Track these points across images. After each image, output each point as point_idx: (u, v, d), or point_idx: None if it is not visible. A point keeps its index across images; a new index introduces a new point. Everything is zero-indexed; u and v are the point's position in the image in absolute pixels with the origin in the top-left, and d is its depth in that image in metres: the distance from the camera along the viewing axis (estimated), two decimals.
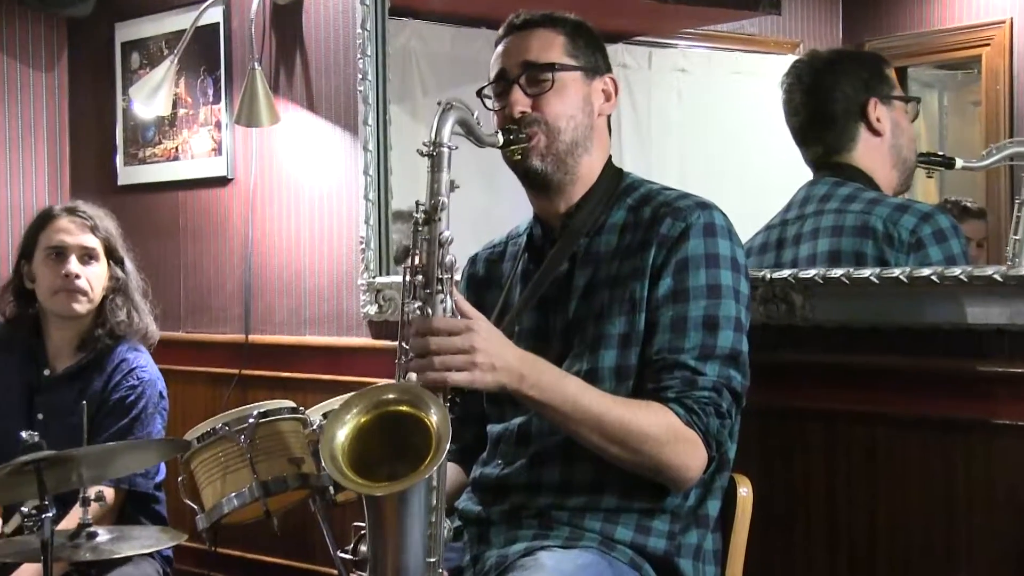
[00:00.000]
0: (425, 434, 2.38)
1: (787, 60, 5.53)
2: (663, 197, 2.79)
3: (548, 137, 2.77)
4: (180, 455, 3.68)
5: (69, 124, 5.67)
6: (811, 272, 3.17)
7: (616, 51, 5.30)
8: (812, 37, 5.16)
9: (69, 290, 3.97)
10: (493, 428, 2.89)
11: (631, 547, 2.68)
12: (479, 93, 2.88)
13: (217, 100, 4.93)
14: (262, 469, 3.65)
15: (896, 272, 3.04)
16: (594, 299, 2.75)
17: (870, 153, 3.33)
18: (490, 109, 2.85)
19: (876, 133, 3.32)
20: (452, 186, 2.58)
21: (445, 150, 2.58)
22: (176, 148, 5.13)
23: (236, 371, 4.76)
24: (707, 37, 5.42)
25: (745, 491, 2.87)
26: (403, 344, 2.55)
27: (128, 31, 5.33)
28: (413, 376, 2.49)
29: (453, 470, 2.96)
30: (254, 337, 4.77)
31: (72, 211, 4.04)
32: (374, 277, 4.35)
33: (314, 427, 3.65)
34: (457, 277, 2.79)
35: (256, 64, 4.47)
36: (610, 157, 2.90)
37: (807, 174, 3.44)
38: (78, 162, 5.66)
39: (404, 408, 2.44)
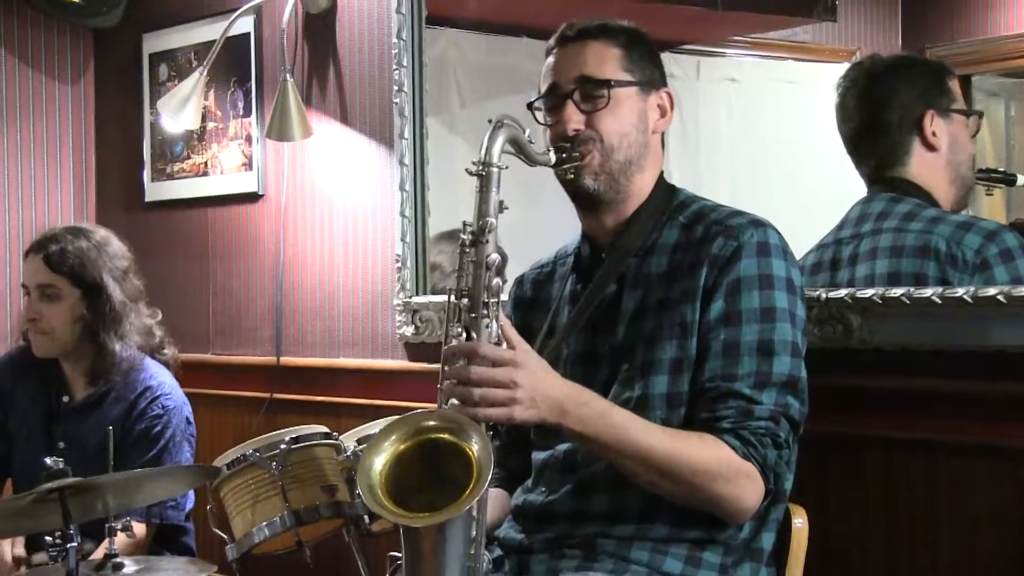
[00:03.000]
0: (466, 464, 2.36)
1: (843, 69, 5.48)
2: (715, 215, 2.74)
3: (602, 155, 2.74)
4: (209, 483, 3.66)
5: (95, 138, 5.67)
6: (869, 292, 3.13)
7: (663, 60, 5.23)
8: (869, 45, 5.10)
9: (31, 331, 3.94)
10: (538, 455, 2.84)
11: None
12: (530, 106, 2.84)
13: (248, 113, 4.90)
14: (294, 497, 3.63)
15: (960, 292, 2.97)
16: (644, 323, 2.69)
17: (925, 168, 3.23)
18: (541, 123, 2.82)
19: (931, 148, 3.23)
20: (501, 207, 2.56)
21: (495, 170, 2.56)
22: (205, 163, 5.09)
23: (267, 395, 4.71)
24: (758, 45, 5.36)
25: (800, 522, 2.82)
26: (445, 368, 2.51)
27: (156, 42, 5.32)
28: (454, 402, 2.46)
29: (498, 496, 2.94)
30: (285, 359, 4.72)
31: (40, 244, 4.00)
32: (411, 297, 4.29)
33: (348, 454, 3.63)
34: (504, 298, 2.75)
35: (288, 76, 4.43)
36: (662, 173, 2.87)
37: (864, 188, 3.35)
38: (104, 177, 5.65)
39: (445, 436, 2.41)
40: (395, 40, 4.29)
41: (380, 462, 2.40)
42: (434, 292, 4.28)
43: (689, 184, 3.49)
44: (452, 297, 2.54)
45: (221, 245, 5.07)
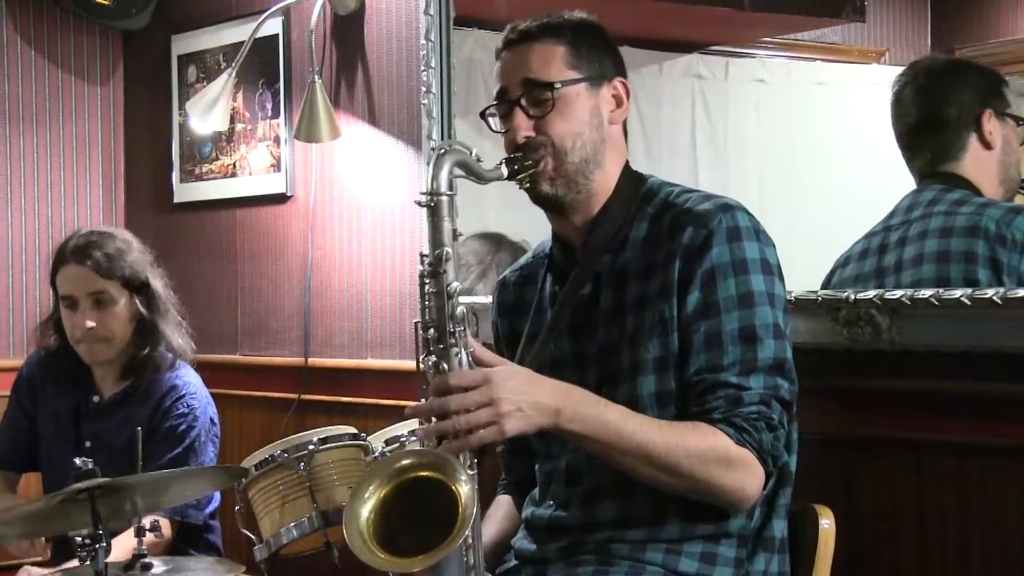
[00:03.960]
0: (451, 498, 2.33)
1: (872, 70, 5.47)
2: (683, 203, 2.69)
3: (555, 159, 2.68)
4: (237, 483, 3.65)
5: (124, 139, 5.67)
6: (898, 293, 3.09)
7: (691, 61, 5.23)
8: (899, 45, 5.08)
9: (87, 341, 3.91)
10: (542, 466, 2.83)
11: None
12: (482, 114, 2.78)
13: (276, 115, 4.90)
14: (322, 498, 3.62)
15: (990, 293, 2.95)
16: (624, 321, 2.66)
17: (978, 165, 3.26)
18: (495, 131, 2.76)
19: (987, 146, 3.25)
20: (455, 235, 2.53)
21: (444, 199, 2.53)
22: (233, 164, 5.10)
23: (295, 396, 4.70)
24: (787, 46, 5.34)
25: (828, 523, 2.79)
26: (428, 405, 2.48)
27: (185, 44, 5.32)
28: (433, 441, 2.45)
29: (506, 503, 2.98)
30: (314, 360, 4.72)
31: (79, 253, 3.93)
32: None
33: (376, 454, 3.62)
34: (497, 308, 2.82)
35: (316, 77, 4.43)
36: (627, 164, 2.81)
37: (894, 189, 3.37)
38: (133, 179, 5.66)
39: (425, 473, 2.38)
40: (423, 41, 4.26)
41: (367, 510, 2.38)
42: (466, 293, 4.25)
43: (718, 185, 3.50)
44: (419, 330, 2.52)
45: (249, 246, 5.07)
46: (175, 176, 5.34)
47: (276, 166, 4.90)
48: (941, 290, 3.01)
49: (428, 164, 2.54)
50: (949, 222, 3.15)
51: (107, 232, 4.06)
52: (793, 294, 3.30)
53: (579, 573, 2.64)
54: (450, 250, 2.50)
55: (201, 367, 4.17)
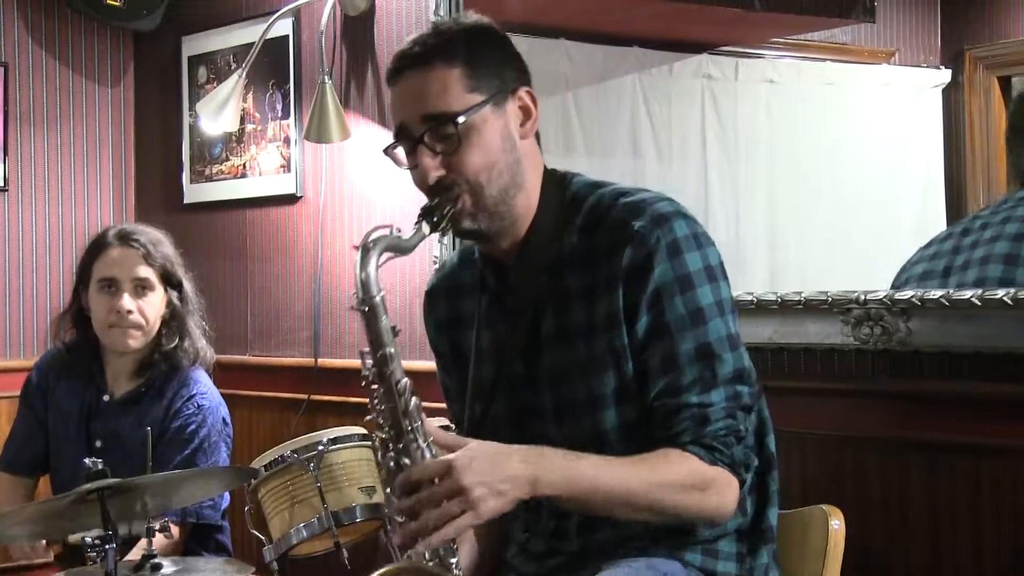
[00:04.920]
0: None
1: (881, 70, 5.50)
2: (616, 215, 2.52)
3: (472, 196, 2.49)
4: (247, 484, 3.65)
5: (135, 140, 5.67)
6: (907, 293, 3.10)
7: (701, 61, 5.24)
8: (908, 46, 5.09)
9: (123, 326, 3.89)
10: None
11: (701, 570, 2.57)
12: (386, 152, 2.58)
13: (286, 115, 4.90)
14: (332, 499, 3.62)
15: (1000, 293, 2.95)
16: (574, 348, 2.54)
17: None
18: (401, 167, 2.58)
19: None
20: (395, 331, 2.45)
21: (377, 300, 2.44)
22: (244, 165, 5.10)
23: (305, 396, 4.70)
24: (797, 46, 5.35)
25: (837, 524, 2.76)
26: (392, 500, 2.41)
27: (195, 44, 5.32)
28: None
29: None
30: (323, 361, 4.71)
31: (125, 238, 3.94)
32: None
33: (377, 461, 3.56)
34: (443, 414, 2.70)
35: (326, 78, 4.42)
36: (545, 170, 2.62)
37: (905, 190, 3.33)
38: (143, 179, 5.65)
39: None
40: None
41: None
42: None
43: (727, 184, 3.50)
44: (377, 430, 2.44)
45: (259, 247, 5.06)
46: (185, 177, 5.35)
47: (286, 167, 4.90)
48: (951, 290, 3.02)
49: (357, 265, 2.42)
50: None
51: (143, 227, 4.08)
52: (803, 294, 3.30)
53: (590, 567, 2.59)
54: (392, 349, 2.42)
55: (212, 368, 4.17)
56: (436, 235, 4.06)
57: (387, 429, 2.41)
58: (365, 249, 2.43)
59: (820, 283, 3.31)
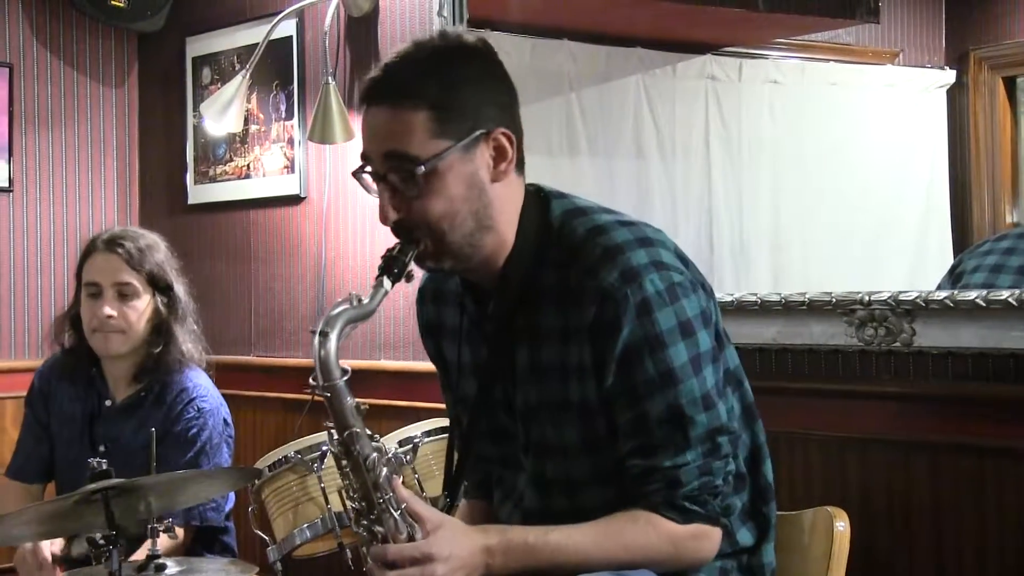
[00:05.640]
0: None
1: (886, 70, 5.49)
2: (587, 258, 2.42)
3: (434, 241, 2.41)
4: (250, 484, 3.65)
5: (139, 141, 5.68)
6: (912, 294, 3.04)
7: (705, 62, 5.23)
8: (913, 46, 5.08)
9: (104, 331, 3.90)
10: (504, 513, 2.71)
11: None
12: (354, 174, 2.47)
13: (290, 116, 4.90)
14: (336, 499, 3.59)
15: (1005, 295, 2.96)
16: (546, 389, 2.48)
17: None
18: (370, 192, 2.48)
19: None
20: (359, 409, 2.40)
21: (339, 384, 2.38)
22: (247, 166, 5.10)
23: (309, 397, 4.60)
24: (801, 47, 5.34)
25: (842, 525, 2.73)
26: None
27: (199, 45, 5.33)
28: None
29: (482, 508, 2.80)
30: None
31: (110, 244, 3.95)
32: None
33: (389, 455, 3.54)
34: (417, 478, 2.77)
35: (330, 79, 4.42)
36: (527, 197, 2.51)
37: (910, 191, 3.32)
38: (147, 180, 5.66)
39: None
40: None
41: None
42: None
43: (731, 186, 3.46)
44: (348, 502, 2.42)
45: (263, 247, 5.07)
46: (189, 177, 5.35)
47: (290, 167, 4.90)
48: (955, 291, 3.01)
49: (315, 349, 2.36)
50: None
51: (138, 231, 4.08)
52: (807, 295, 3.30)
53: None
54: (358, 428, 2.38)
55: (215, 368, 4.15)
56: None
57: (359, 501, 2.39)
58: (323, 335, 2.36)
59: (824, 284, 3.31)
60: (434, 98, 2.36)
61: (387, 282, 2.40)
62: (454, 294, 2.65)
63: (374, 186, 2.44)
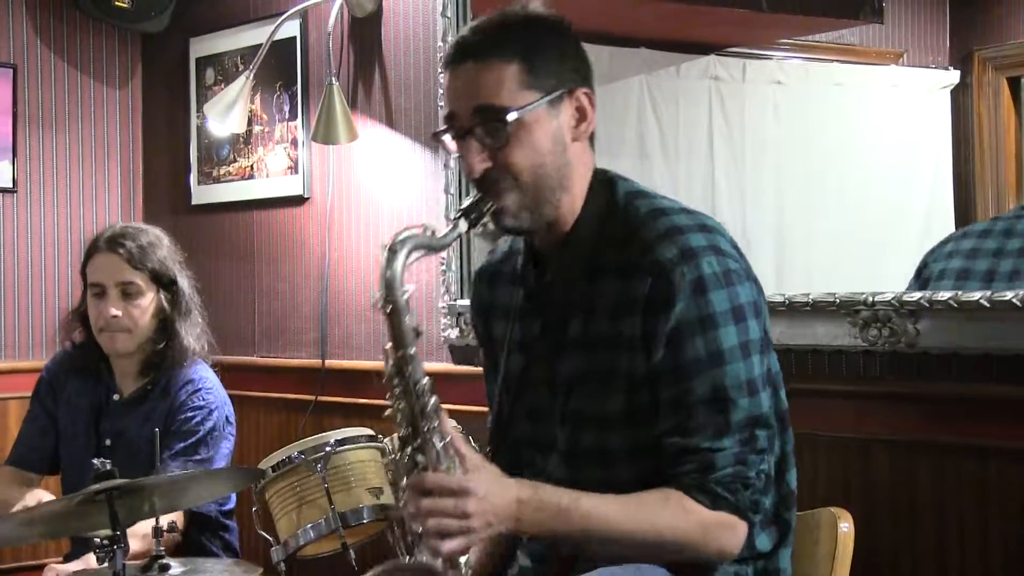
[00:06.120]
0: None
1: (890, 71, 5.48)
2: (647, 236, 2.47)
3: (518, 194, 2.46)
4: (254, 485, 3.65)
5: (143, 141, 5.69)
6: (916, 295, 3.04)
7: (708, 63, 5.23)
8: (917, 46, 5.07)
9: (109, 330, 3.91)
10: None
11: None
12: (435, 137, 2.61)
13: (293, 117, 4.90)
14: (339, 500, 3.62)
15: (1009, 295, 2.94)
16: (592, 357, 2.51)
17: None
18: (450, 153, 2.61)
19: None
20: (416, 332, 2.42)
21: (402, 300, 2.40)
22: (251, 166, 5.10)
23: (312, 397, 4.70)
24: (805, 47, 5.34)
25: (846, 526, 2.73)
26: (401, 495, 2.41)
27: (203, 46, 5.33)
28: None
29: None
30: (331, 362, 4.72)
31: (112, 242, 3.96)
32: (455, 300, 4.27)
33: (393, 456, 3.55)
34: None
35: (334, 79, 4.43)
36: (595, 173, 2.59)
37: (914, 191, 3.31)
38: (151, 181, 5.66)
39: None
40: (440, 43, 4.26)
41: None
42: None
43: (734, 185, 3.46)
44: (396, 428, 2.43)
45: (267, 248, 5.07)
46: (193, 178, 5.35)
47: (293, 168, 4.90)
48: (959, 292, 3.00)
49: (383, 265, 2.39)
50: None
51: (140, 227, 4.09)
52: (811, 296, 3.30)
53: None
54: (413, 351, 2.39)
55: (219, 368, 4.16)
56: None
57: (405, 427, 2.40)
58: (392, 250, 2.40)
59: (828, 284, 3.30)
60: (522, 53, 2.44)
61: (463, 223, 2.45)
62: (510, 275, 2.71)
63: (453, 147, 2.50)
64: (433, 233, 2.44)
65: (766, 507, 2.52)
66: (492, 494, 2.34)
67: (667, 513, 2.40)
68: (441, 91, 4.21)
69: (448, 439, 2.37)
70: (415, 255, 2.42)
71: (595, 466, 2.49)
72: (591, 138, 2.57)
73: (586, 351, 2.51)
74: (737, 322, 2.42)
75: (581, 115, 2.51)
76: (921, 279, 3.53)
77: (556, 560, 2.62)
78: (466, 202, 2.49)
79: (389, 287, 2.39)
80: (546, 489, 2.42)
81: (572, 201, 2.53)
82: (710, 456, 2.39)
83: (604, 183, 2.59)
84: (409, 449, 2.39)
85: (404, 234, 2.42)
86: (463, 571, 2.40)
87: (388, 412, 2.43)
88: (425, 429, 2.37)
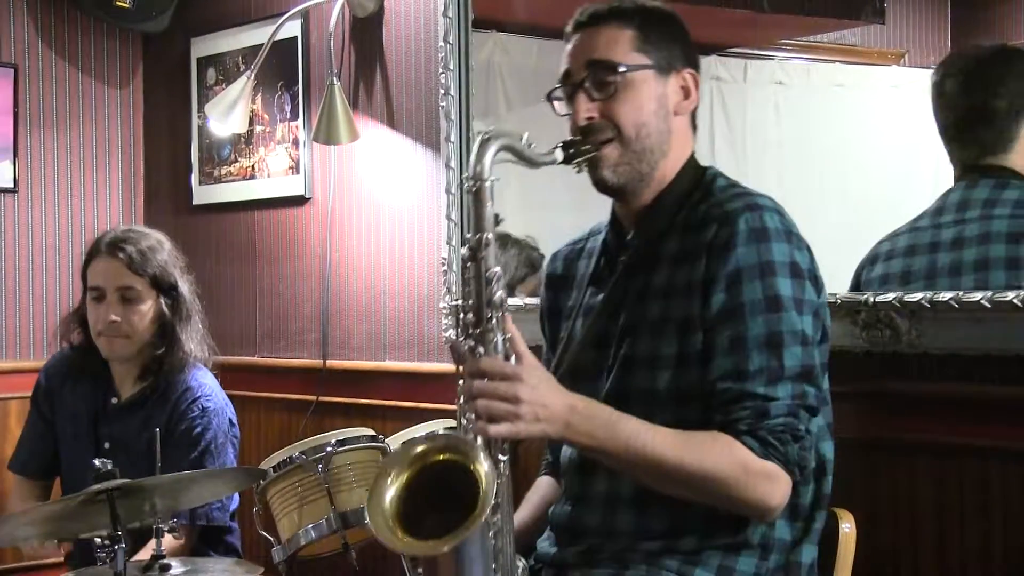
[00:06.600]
0: (474, 482, 2.31)
1: (891, 72, 5.45)
2: (720, 197, 2.63)
3: (620, 146, 2.63)
4: (255, 485, 3.65)
5: (144, 141, 5.69)
6: (918, 296, 3.05)
7: (709, 63, 5.20)
8: (918, 47, 5.04)
9: (108, 334, 3.91)
10: (564, 451, 2.82)
11: None
12: (548, 97, 2.73)
13: (295, 117, 4.90)
14: (340, 500, 3.62)
15: (1010, 295, 2.93)
16: (649, 307, 2.62)
17: None
18: (560, 114, 2.71)
19: None
20: (497, 219, 2.49)
21: (487, 184, 2.47)
22: (252, 166, 5.10)
23: (313, 398, 4.70)
24: (806, 48, 5.31)
25: (848, 527, 2.77)
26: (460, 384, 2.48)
27: (204, 46, 5.33)
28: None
29: (547, 484, 2.95)
30: (332, 362, 4.71)
31: (114, 247, 3.96)
32: (456, 300, 4.22)
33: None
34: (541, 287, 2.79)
35: (335, 79, 4.43)
36: (692, 156, 2.74)
37: (914, 191, 3.31)
38: (152, 181, 5.67)
39: (448, 457, 2.37)
40: (442, 44, 4.26)
41: (390, 495, 2.35)
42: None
43: None
44: (460, 313, 2.48)
45: (268, 248, 5.07)
46: (194, 178, 5.35)
47: (295, 168, 4.90)
48: (961, 292, 2.99)
49: (475, 150, 2.49)
50: (1016, 226, 3.06)
51: (142, 231, 4.09)
52: None
53: (596, 574, 2.61)
54: (491, 235, 2.45)
55: (220, 369, 4.17)
56: (456, 240, 4.14)
57: (470, 314, 2.46)
58: (488, 138, 2.48)
59: (829, 285, 3.29)
60: (639, 23, 2.66)
61: (559, 153, 2.58)
62: (589, 251, 2.87)
63: (562, 108, 2.69)
64: (530, 145, 2.54)
65: (809, 469, 2.58)
66: (545, 390, 2.41)
67: (715, 450, 2.45)
68: (443, 91, 4.25)
69: (509, 336, 2.44)
70: (504, 155, 2.51)
71: (640, 408, 2.53)
72: (693, 121, 2.75)
73: (649, 300, 2.62)
74: (794, 277, 2.52)
75: (685, 93, 2.69)
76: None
77: (582, 537, 2.68)
78: (568, 137, 2.61)
79: (479, 168, 2.48)
80: (599, 404, 2.50)
81: (667, 169, 2.67)
82: (764, 404, 2.46)
83: (697, 167, 2.73)
84: (470, 334, 2.45)
85: (503, 130, 2.52)
86: (501, 467, 2.41)
87: (457, 301, 2.49)
88: (488, 317, 2.43)
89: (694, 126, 2.76)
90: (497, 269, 2.45)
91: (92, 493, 2.92)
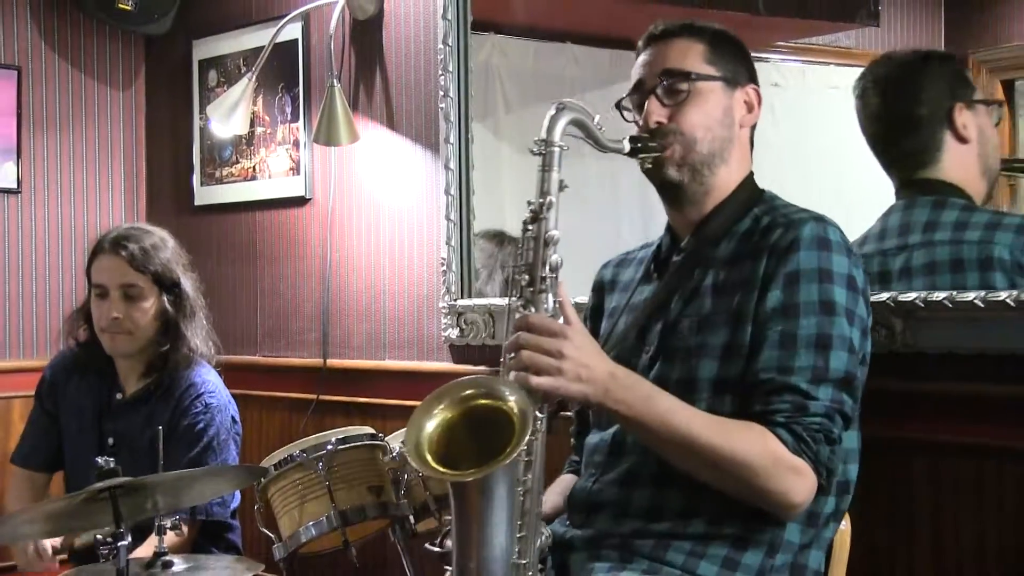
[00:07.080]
0: (511, 426, 2.36)
1: None
2: (784, 210, 2.72)
3: (684, 148, 2.72)
4: (256, 483, 3.65)
5: (146, 143, 5.69)
6: (912, 296, 3.04)
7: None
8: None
9: (111, 331, 3.93)
10: (591, 440, 2.84)
11: None
12: (618, 105, 2.84)
13: (295, 118, 4.91)
14: (341, 498, 3.61)
15: (1003, 295, 2.93)
16: (697, 303, 2.68)
17: (958, 163, 3.14)
18: (629, 121, 2.81)
19: (963, 140, 3.13)
20: (562, 185, 2.55)
21: (556, 149, 2.55)
22: (253, 168, 5.10)
23: (314, 396, 4.71)
24: (801, 50, 5.33)
25: (844, 525, 2.77)
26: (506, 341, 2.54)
27: (205, 48, 5.33)
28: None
29: (569, 482, 2.95)
30: (332, 362, 4.72)
31: (117, 244, 3.98)
32: (456, 300, 4.27)
33: (394, 454, 3.59)
34: (565, 277, 2.74)
35: (335, 81, 4.44)
36: (751, 173, 2.85)
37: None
38: (154, 182, 5.67)
39: (487, 402, 2.43)
40: (441, 46, 4.27)
41: (431, 426, 2.44)
42: (479, 295, 4.26)
43: None
44: (513, 273, 2.54)
45: (269, 249, 5.07)
46: (196, 179, 5.36)
47: (295, 169, 4.91)
48: (955, 292, 2.98)
49: (546, 115, 2.57)
50: (958, 253, 3.04)
51: (145, 228, 4.10)
52: None
53: (597, 568, 2.63)
54: (555, 199, 2.53)
55: (222, 368, 4.19)
56: (456, 240, 4.16)
57: (524, 273, 2.53)
58: (562, 107, 2.58)
59: None
60: (709, 39, 2.80)
61: (627, 144, 2.69)
62: (641, 259, 2.96)
63: (631, 115, 2.81)
64: (600, 127, 2.63)
65: (836, 476, 2.63)
66: (590, 351, 2.47)
67: (748, 437, 2.49)
68: (442, 93, 4.26)
69: (560, 300, 2.51)
70: (573, 129, 2.59)
71: (680, 394, 2.57)
72: (752, 137, 2.86)
73: (699, 297, 2.68)
74: (849, 289, 2.59)
75: (749, 107, 2.82)
76: None
77: (594, 515, 2.72)
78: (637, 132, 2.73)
79: (550, 135, 2.55)
80: (639, 376, 2.56)
81: (727, 179, 2.77)
82: (804, 400, 2.51)
83: (756, 186, 2.83)
84: (522, 297, 2.52)
85: (578, 105, 2.60)
86: (538, 424, 2.44)
87: (513, 266, 2.56)
88: (541, 278, 2.51)
89: (752, 145, 2.86)
90: (556, 232, 2.52)
91: (94, 491, 2.92)
